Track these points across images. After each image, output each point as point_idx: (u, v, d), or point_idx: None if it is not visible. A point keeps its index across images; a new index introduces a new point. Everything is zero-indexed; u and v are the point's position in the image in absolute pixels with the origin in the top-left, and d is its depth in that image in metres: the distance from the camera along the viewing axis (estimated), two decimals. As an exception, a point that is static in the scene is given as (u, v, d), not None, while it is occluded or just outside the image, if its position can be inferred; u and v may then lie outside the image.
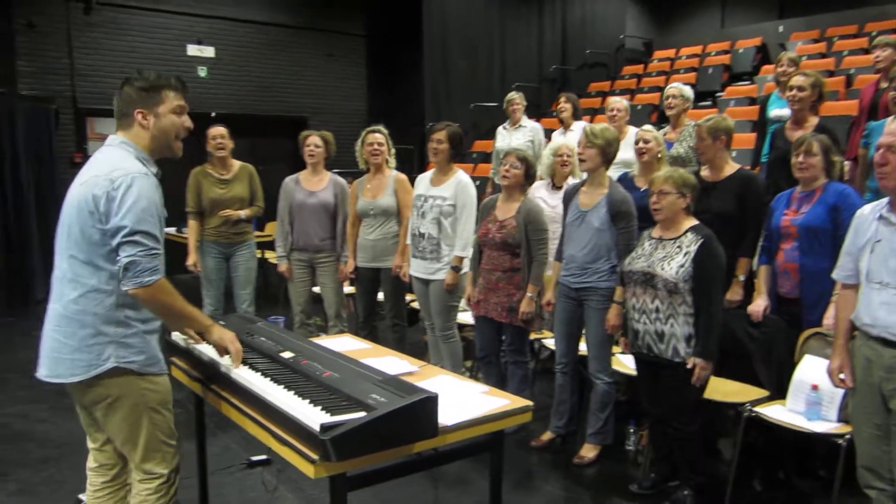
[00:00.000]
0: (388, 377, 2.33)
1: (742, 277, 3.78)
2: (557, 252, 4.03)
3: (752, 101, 8.54)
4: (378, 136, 4.91)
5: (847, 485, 3.01)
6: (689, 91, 5.02)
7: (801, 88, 4.49)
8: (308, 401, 2.19)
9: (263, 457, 3.72)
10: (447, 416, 2.29)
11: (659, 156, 4.14)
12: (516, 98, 6.69)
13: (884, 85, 4.96)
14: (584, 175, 3.95)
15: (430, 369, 2.90)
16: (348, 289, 5.39)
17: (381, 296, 5.15)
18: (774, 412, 3.30)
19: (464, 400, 2.48)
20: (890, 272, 2.55)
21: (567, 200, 3.99)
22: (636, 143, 4.22)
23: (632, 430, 3.97)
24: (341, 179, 5.21)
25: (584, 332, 3.90)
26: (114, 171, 2.26)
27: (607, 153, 3.79)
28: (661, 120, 7.98)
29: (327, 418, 2.04)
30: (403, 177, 4.97)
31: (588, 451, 3.89)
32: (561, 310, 3.94)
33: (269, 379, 2.40)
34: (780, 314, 3.65)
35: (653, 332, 3.30)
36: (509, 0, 11.50)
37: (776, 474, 3.68)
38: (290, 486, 3.56)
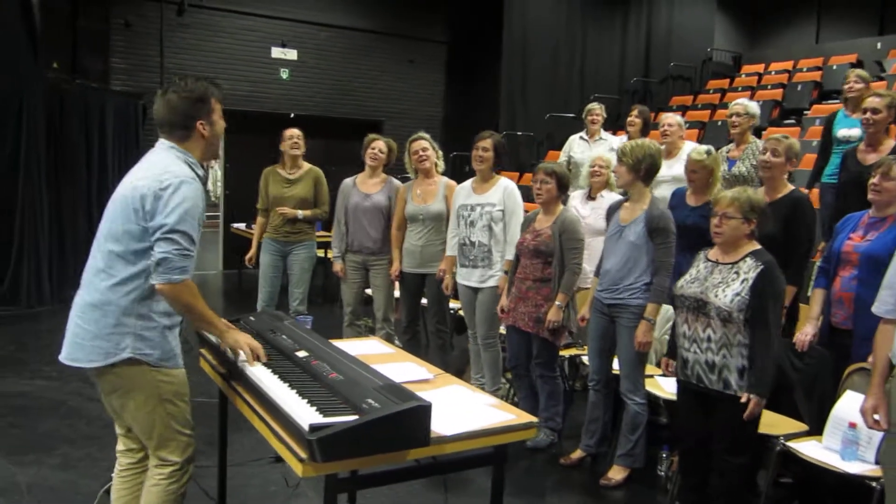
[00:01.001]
0: (390, 383, 2.34)
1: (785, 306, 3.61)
2: (597, 268, 3.97)
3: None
4: (423, 143, 4.95)
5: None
6: (754, 107, 4.84)
7: (875, 111, 4.29)
8: (306, 400, 2.24)
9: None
10: (446, 425, 2.29)
11: (710, 180, 4.03)
12: (596, 108, 6.57)
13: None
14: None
15: (446, 378, 2.90)
16: (398, 293, 5.44)
17: (424, 301, 5.18)
18: (809, 448, 3.15)
19: (468, 411, 2.48)
20: (927, 309, 2.39)
21: (610, 216, 3.94)
22: (686, 167, 4.12)
23: (664, 455, 3.86)
24: (398, 182, 5.28)
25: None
26: (164, 174, 2.37)
27: (638, 170, 3.71)
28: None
29: (318, 419, 2.08)
30: (453, 183, 4.99)
31: (616, 473, 3.81)
32: (594, 325, 3.88)
33: (276, 376, 2.47)
34: (831, 345, 3.47)
35: (703, 363, 3.11)
36: (593, 8, 11.37)
37: (814, 514, 3.51)
38: (312, 482, 3.62)
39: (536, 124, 10.77)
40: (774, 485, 3.66)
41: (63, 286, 7.41)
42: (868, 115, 4.31)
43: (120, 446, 2.70)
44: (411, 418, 2.12)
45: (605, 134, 6.65)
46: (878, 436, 2.96)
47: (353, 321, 5.36)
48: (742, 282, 3.02)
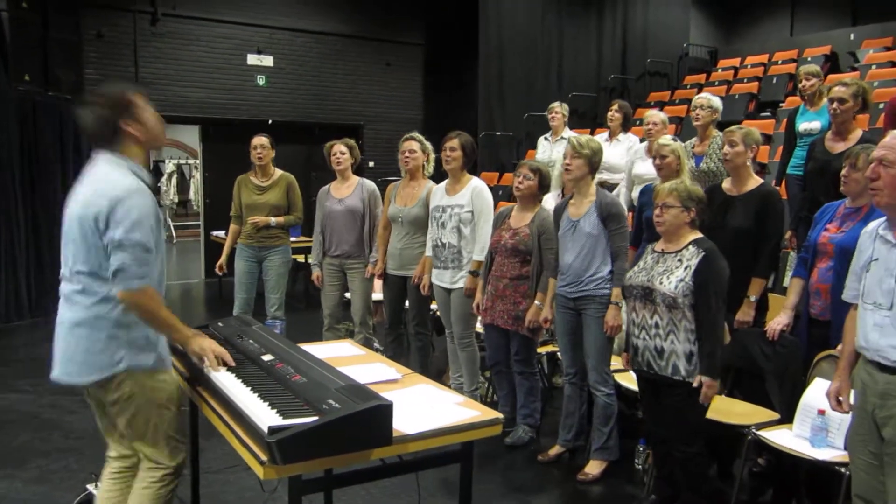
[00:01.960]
0: (352, 384, 2.33)
1: (754, 298, 3.64)
2: (553, 269, 3.97)
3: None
4: (412, 144, 4.89)
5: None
6: (717, 102, 4.85)
7: (841, 100, 4.30)
8: (267, 403, 2.23)
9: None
10: (409, 424, 2.29)
11: (678, 169, 4.03)
12: (556, 107, 6.57)
13: None
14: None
15: (413, 377, 2.89)
16: (376, 296, 5.44)
17: (407, 303, 5.18)
18: (779, 436, 3.16)
19: (433, 409, 2.47)
20: (883, 293, 2.41)
21: (558, 215, 3.96)
22: (653, 159, 4.13)
23: (641, 448, 3.87)
24: (370, 184, 5.28)
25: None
26: (112, 190, 2.36)
27: (593, 163, 3.78)
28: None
29: (278, 421, 2.07)
30: (437, 186, 4.98)
31: (593, 468, 3.81)
32: (561, 321, 3.90)
33: (240, 381, 2.46)
34: (809, 336, 3.48)
35: (652, 349, 3.19)
36: (569, 7, 11.39)
37: (789, 502, 3.52)
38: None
39: (515, 124, 10.79)
40: (749, 474, 3.69)
41: (41, 299, 7.36)
42: (835, 105, 4.32)
43: (112, 452, 2.70)
44: (372, 418, 2.11)
45: (567, 132, 6.62)
46: (847, 422, 2.98)
47: (333, 325, 5.36)
48: (685, 268, 3.11)
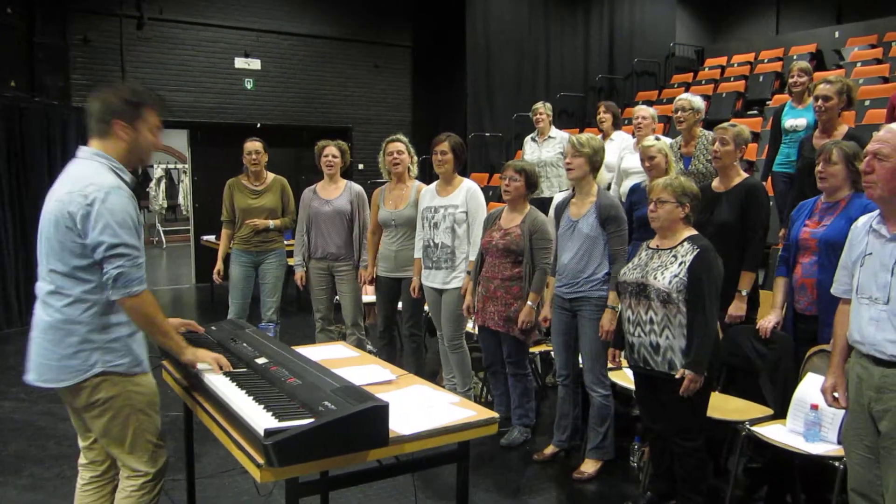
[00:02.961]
0: (348, 386, 2.33)
1: (745, 292, 3.66)
2: (552, 267, 3.98)
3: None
4: (398, 146, 4.88)
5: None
6: (699, 102, 4.84)
7: (826, 98, 4.34)
8: (263, 406, 2.22)
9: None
10: (405, 425, 2.29)
11: (667, 168, 4.05)
12: (540, 108, 6.58)
13: None
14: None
15: (408, 378, 2.89)
16: (368, 298, 5.43)
17: (400, 305, 5.17)
18: (773, 432, 3.18)
19: (428, 410, 2.47)
20: (879, 287, 2.43)
21: (558, 214, 3.96)
22: (641, 160, 4.14)
23: (636, 447, 3.88)
24: (357, 186, 5.27)
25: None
26: (87, 187, 2.31)
27: (594, 161, 3.76)
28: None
29: (273, 423, 2.06)
30: (426, 187, 4.98)
31: (588, 467, 3.82)
32: (557, 322, 3.90)
33: (234, 384, 2.44)
34: (796, 331, 3.50)
35: (648, 345, 3.20)
36: (555, 8, 11.45)
37: (783, 497, 3.53)
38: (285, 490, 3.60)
39: (504, 124, 10.82)
40: (744, 470, 3.70)
41: (31, 306, 7.23)
42: (819, 102, 4.36)
43: (82, 459, 2.67)
44: (368, 419, 2.10)
45: (554, 132, 6.64)
46: (839, 416, 3.00)
47: (325, 327, 5.34)
48: (680, 264, 3.13)
